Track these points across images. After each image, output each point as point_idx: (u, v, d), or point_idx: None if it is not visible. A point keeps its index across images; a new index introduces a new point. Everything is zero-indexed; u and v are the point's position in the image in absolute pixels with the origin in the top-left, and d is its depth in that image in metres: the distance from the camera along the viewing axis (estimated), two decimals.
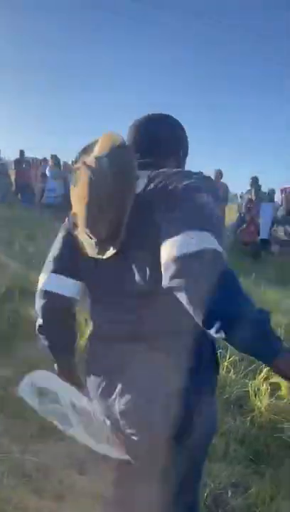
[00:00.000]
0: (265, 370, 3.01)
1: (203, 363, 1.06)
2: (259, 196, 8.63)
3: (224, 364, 3.04)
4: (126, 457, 1.09)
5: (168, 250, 0.88)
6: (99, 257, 1.05)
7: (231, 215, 9.92)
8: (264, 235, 8.49)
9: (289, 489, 1.91)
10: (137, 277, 1.00)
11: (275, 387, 2.90)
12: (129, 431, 1.04)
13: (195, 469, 1.14)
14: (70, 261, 1.17)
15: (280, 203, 8.46)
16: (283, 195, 8.32)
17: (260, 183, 8.76)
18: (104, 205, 1.00)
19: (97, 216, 1.02)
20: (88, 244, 1.08)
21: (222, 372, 2.97)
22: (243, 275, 5.79)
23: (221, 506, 1.79)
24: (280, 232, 8.25)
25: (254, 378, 2.95)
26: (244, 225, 8.77)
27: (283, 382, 2.80)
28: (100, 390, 1.10)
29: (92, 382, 1.14)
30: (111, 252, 1.02)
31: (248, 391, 2.79)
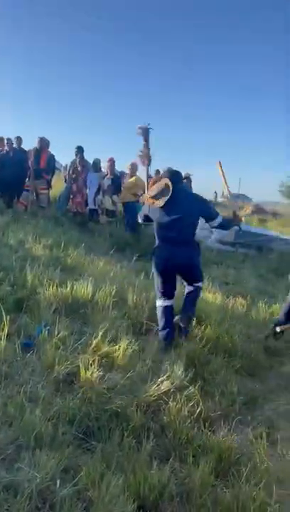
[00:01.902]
0: (95, 341, 2.94)
1: (198, 246, 3.89)
2: (84, 166, 8.52)
3: (53, 341, 2.86)
4: None
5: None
6: (160, 204, 3.57)
7: (58, 185, 9.65)
8: (91, 204, 8.49)
9: (118, 462, 1.86)
10: (180, 214, 3.56)
11: (105, 357, 2.86)
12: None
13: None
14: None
15: (106, 172, 8.46)
16: (108, 164, 8.34)
17: (85, 152, 8.71)
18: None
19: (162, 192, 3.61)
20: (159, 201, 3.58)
21: (51, 349, 2.79)
22: (73, 245, 5.69)
23: (49, 499, 1.62)
24: (107, 201, 8.33)
25: (85, 352, 2.85)
26: (71, 196, 8.61)
27: None
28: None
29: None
30: (163, 201, 3.54)
31: (78, 366, 2.66)
